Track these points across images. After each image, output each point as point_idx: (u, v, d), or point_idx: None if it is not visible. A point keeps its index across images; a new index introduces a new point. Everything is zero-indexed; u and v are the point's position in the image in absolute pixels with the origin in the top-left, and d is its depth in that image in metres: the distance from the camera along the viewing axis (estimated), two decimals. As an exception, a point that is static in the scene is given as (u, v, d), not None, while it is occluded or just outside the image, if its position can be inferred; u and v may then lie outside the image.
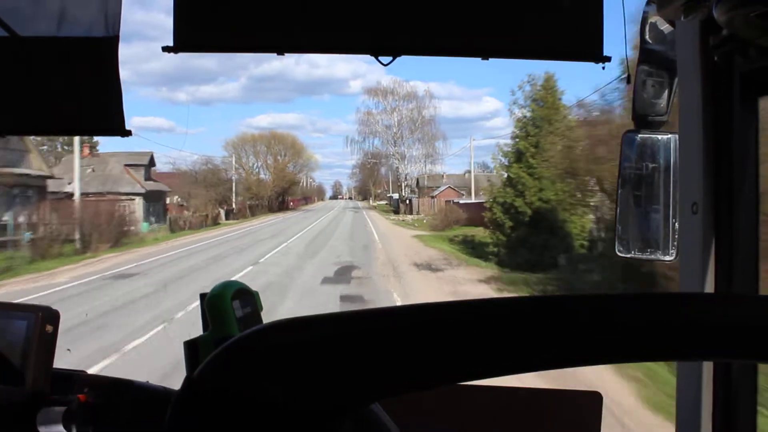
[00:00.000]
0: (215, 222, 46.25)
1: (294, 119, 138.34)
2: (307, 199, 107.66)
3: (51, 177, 32.64)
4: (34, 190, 30.32)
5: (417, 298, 12.03)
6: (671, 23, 1.20)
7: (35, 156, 31.25)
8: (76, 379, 1.32)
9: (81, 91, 1.50)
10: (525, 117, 22.05)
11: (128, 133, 1.51)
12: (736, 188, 1.07)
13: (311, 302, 11.94)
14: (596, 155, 15.16)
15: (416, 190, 66.21)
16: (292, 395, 0.35)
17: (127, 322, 10.54)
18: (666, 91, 1.27)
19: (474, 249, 25.22)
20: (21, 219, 26.65)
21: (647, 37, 1.27)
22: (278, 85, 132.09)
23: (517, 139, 22.14)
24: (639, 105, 1.29)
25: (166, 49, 1.47)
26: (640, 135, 1.30)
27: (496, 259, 21.22)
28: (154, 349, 8.64)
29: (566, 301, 0.38)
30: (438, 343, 0.36)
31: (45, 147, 51.79)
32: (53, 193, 32.82)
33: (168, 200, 52.12)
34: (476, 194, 49.52)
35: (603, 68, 1.50)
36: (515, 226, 21.22)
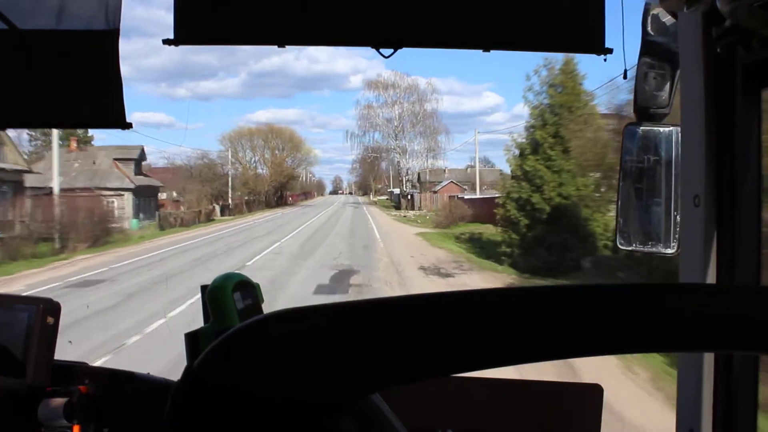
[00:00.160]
0: (209, 218, 44.11)
1: (294, 114, 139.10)
2: (306, 195, 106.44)
3: (28, 171, 30.44)
4: (10, 185, 28.26)
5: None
6: (673, 15, 1.18)
7: (11, 149, 29.16)
8: (77, 370, 1.33)
9: (81, 84, 1.49)
10: (541, 104, 19.73)
11: (129, 126, 1.50)
12: (738, 181, 1.05)
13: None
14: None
15: (417, 185, 64.36)
16: (292, 385, 0.35)
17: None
18: (668, 84, 1.26)
19: (483, 249, 23.17)
20: (-7, 216, 24.55)
21: (649, 29, 1.26)
22: (278, 81, 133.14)
23: (533, 129, 19.85)
24: (641, 97, 1.28)
25: (166, 41, 1.46)
26: (641, 127, 1.29)
27: (509, 261, 19.05)
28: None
29: (567, 291, 0.38)
30: (440, 334, 0.36)
31: (39, 141, 49.63)
32: (36, 188, 30.60)
33: (165, 195, 50.33)
34: (480, 189, 47.24)
35: (605, 60, 1.50)
36: (532, 224, 19.00)
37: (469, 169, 73.70)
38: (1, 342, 1.29)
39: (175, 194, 50.62)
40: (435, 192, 61.34)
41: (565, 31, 1.49)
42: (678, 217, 1.20)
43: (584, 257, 17.77)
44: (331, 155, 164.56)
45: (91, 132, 49.15)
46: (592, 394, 1.29)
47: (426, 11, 1.47)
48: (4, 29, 1.45)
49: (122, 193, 40.81)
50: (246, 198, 61.33)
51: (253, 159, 69.19)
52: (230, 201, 55.89)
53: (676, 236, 1.22)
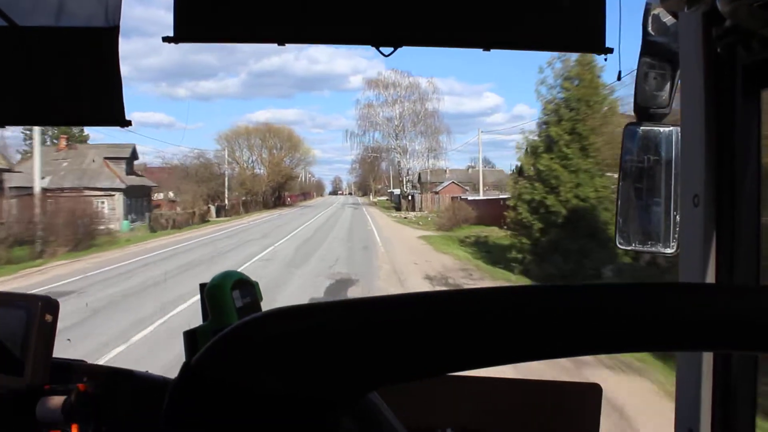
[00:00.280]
0: (204, 219, 42.43)
1: (294, 115, 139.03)
2: (305, 195, 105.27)
3: (8, 170, 28.70)
4: (-12, 185, 26.45)
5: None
6: (674, 15, 1.19)
7: (-12, 147, 27.32)
8: (75, 368, 1.33)
9: (81, 82, 1.50)
10: (556, 98, 18.02)
11: (128, 124, 1.50)
12: (738, 181, 1.05)
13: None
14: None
15: (418, 185, 62.81)
16: (291, 383, 0.35)
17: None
18: (668, 84, 1.27)
19: (490, 253, 21.59)
20: (-32, 218, 22.97)
21: (649, 28, 1.26)
22: (278, 81, 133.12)
23: (546, 125, 18.17)
24: (641, 97, 1.29)
25: (166, 39, 1.45)
26: (641, 127, 1.30)
27: (520, 268, 17.39)
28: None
29: (566, 291, 0.38)
30: (439, 332, 0.36)
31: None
32: (21, 189, 28.90)
33: (161, 195, 48.82)
34: (483, 190, 45.57)
35: (605, 60, 1.51)
36: (546, 228, 17.31)
37: (470, 170, 72.36)
38: None
39: (171, 194, 49.06)
40: (436, 193, 59.87)
41: (565, 31, 1.49)
42: (677, 216, 1.20)
43: (605, 265, 16.10)
44: (331, 155, 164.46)
45: (87, 131, 47.57)
46: (591, 393, 1.28)
47: (426, 10, 1.47)
48: (4, 26, 1.46)
49: (112, 193, 39.23)
50: (244, 198, 59.59)
51: (250, 159, 67.49)
52: (226, 201, 54.21)
53: (676, 236, 1.22)
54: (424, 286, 14.30)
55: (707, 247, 1.06)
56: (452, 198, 46.90)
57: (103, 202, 39.93)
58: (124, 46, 1.64)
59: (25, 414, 1.25)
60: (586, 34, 1.48)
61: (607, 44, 1.47)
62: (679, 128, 1.19)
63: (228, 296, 1.04)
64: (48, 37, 1.47)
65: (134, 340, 8.76)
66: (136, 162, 43.64)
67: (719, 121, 1.05)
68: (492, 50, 1.50)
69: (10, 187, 29.26)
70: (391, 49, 1.47)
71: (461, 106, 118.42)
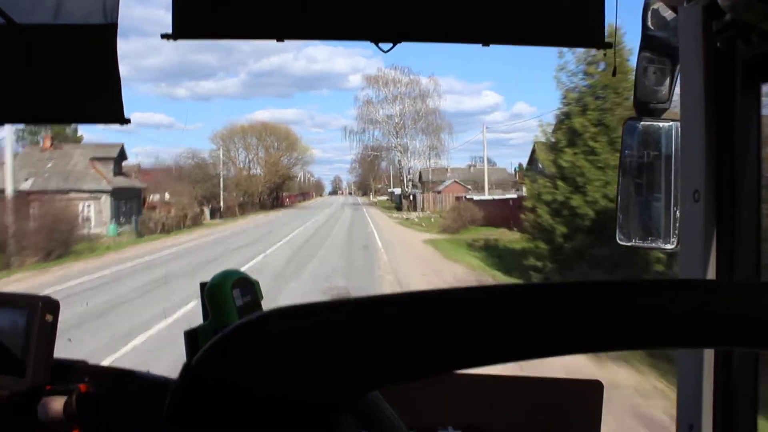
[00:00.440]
0: (197, 222, 40.15)
1: (293, 114, 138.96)
2: (304, 195, 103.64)
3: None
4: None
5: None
6: (673, 9, 1.19)
7: (-44, 145, 25.13)
8: (76, 368, 1.33)
9: (80, 79, 1.49)
10: (579, 86, 15.76)
11: (127, 121, 1.49)
12: (738, 176, 1.05)
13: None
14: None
15: (419, 184, 60.62)
16: (292, 382, 0.35)
17: None
18: (668, 78, 1.27)
19: (502, 259, 19.58)
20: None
21: (649, 23, 1.26)
22: (277, 80, 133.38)
23: (566, 117, 15.96)
24: (640, 92, 1.29)
25: (165, 36, 1.44)
26: (641, 123, 1.30)
27: (540, 277, 15.22)
28: None
29: (566, 288, 0.38)
30: (441, 330, 0.36)
31: (27, 140, 46.01)
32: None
33: (158, 197, 46.79)
34: (487, 189, 43.38)
35: (605, 55, 1.49)
36: (570, 233, 15.08)
37: (472, 168, 70.44)
38: None
39: (167, 196, 47.10)
40: (437, 192, 57.81)
41: (564, 26, 1.48)
42: (678, 212, 1.20)
43: (638, 276, 13.85)
44: (331, 155, 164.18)
45: (81, 132, 45.71)
46: (593, 390, 1.28)
47: (425, 5, 1.47)
48: (2, 24, 1.46)
49: (99, 195, 36.98)
50: (241, 199, 57.46)
51: (246, 159, 65.19)
52: (221, 203, 52.00)
53: (676, 231, 1.22)
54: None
55: (707, 242, 1.07)
56: (457, 198, 44.87)
57: (89, 205, 37.74)
58: (124, 46, 1.57)
59: (26, 415, 1.25)
60: (585, 29, 1.47)
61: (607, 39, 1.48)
62: (679, 123, 1.20)
63: (228, 295, 1.04)
64: (46, 34, 1.48)
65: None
66: (125, 162, 41.41)
67: (719, 115, 1.06)
68: (491, 46, 1.50)
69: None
70: (390, 45, 1.46)
71: (461, 104, 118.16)
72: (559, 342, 0.37)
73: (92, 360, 1.39)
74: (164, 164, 52.32)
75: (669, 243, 1.25)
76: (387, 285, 14.25)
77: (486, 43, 1.47)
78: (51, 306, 1.31)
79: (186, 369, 0.37)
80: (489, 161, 78.43)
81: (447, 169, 65.20)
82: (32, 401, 1.25)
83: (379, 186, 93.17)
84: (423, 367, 0.37)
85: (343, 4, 1.45)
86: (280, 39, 1.50)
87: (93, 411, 1.26)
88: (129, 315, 10.92)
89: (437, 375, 0.37)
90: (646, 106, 1.28)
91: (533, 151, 40.21)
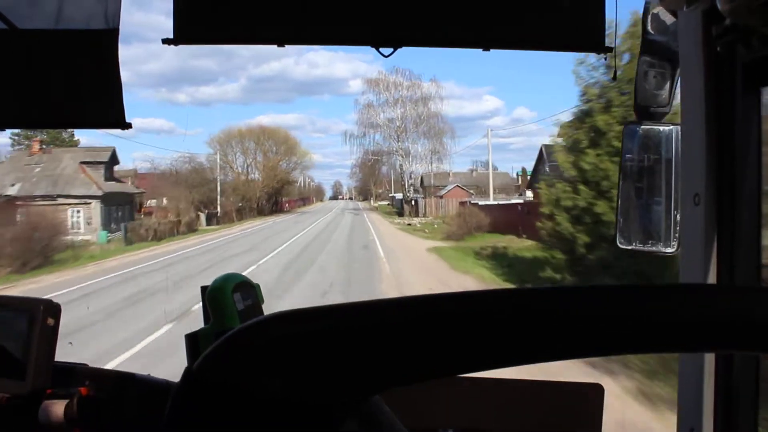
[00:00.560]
0: (192, 228, 38.61)
1: (294, 119, 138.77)
2: (304, 200, 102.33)
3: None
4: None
5: None
6: (673, 13, 1.19)
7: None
8: (77, 372, 1.32)
9: (81, 85, 1.49)
10: (601, 80, 14.18)
11: (128, 126, 1.49)
12: (739, 179, 1.06)
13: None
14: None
15: (420, 189, 59.12)
16: (292, 387, 0.35)
17: None
18: (668, 83, 1.27)
19: (512, 269, 18.07)
20: None
21: (649, 27, 1.26)
22: (277, 86, 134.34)
23: (587, 115, 14.41)
24: (641, 96, 1.29)
25: (166, 41, 1.44)
26: (642, 126, 1.30)
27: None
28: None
29: (569, 292, 0.39)
30: (441, 334, 0.36)
31: (23, 146, 44.77)
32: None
33: (155, 202, 45.38)
34: (491, 193, 41.82)
35: (605, 59, 1.50)
36: (594, 242, 13.50)
37: (474, 173, 69.03)
38: (0, 343, 1.28)
39: (165, 201, 45.76)
40: (439, 196, 56.32)
41: (565, 30, 1.49)
42: (678, 215, 1.20)
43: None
44: (332, 160, 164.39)
45: (77, 136, 44.47)
46: (593, 393, 1.28)
47: (426, 10, 1.47)
48: (3, 29, 1.46)
49: (89, 201, 35.39)
50: (240, 204, 55.96)
51: (245, 163, 63.68)
52: (218, 208, 50.46)
53: (677, 235, 1.22)
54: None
55: (708, 245, 1.07)
56: (461, 203, 43.32)
57: (78, 211, 36.12)
58: (124, 52, 1.67)
59: (27, 418, 1.25)
60: (585, 33, 1.48)
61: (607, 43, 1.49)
62: (679, 127, 1.20)
63: (229, 299, 1.04)
64: (48, 39, 1.48)
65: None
66: (120, 167, 39.92)
67: (719, 119, 1.06)
68: (492, 51, 1.51)
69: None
70: (391, 49, 1.48)
71: (461, 109, 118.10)
72: (560, 346, 0.37)
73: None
74: (160, 168, 50.85)
75: (669, 246, 1.25)
76: (391, 301, 12.65)
77: (486, 48, 1.48)
78: (52, 309, 1.30)
79: (187, 373, 0.37)
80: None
81: (449, 174, 63.73)
82: (33, 404, 1.25)
83: (380, 191, 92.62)
84: (423, 371, 0.37)
85: (343, 9, 1.47)
86: (281, 44, 1.51)
87: (94, 414, 1.25)
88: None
89: (437, 379, 0.37)
90: (647, 110, 1.28)
91: (540, 155, 38.71)
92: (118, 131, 1.52)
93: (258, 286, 1.12)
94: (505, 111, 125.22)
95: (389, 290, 14.04)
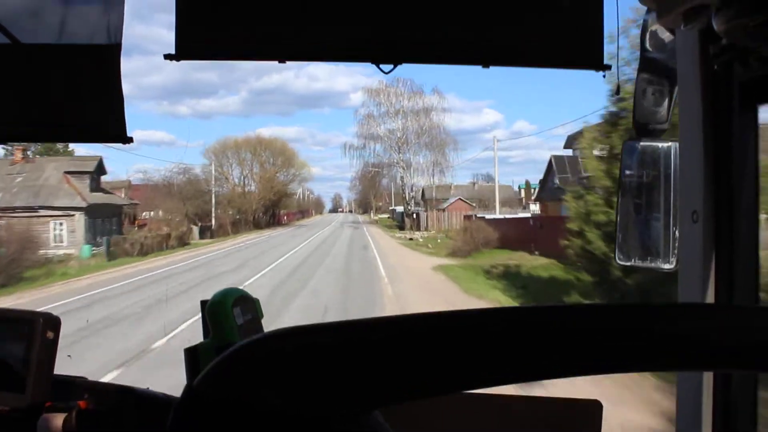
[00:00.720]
0: (183, 242, 36.51)
1: (294, 132, 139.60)
2: (303, 213, 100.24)
3: None
4: None
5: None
6: (671, 32, 1.20)
7: None
8: (76, 385, 1.32)
9: (83, 99, 1.51)
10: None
11: (129, 140, 1.49)
12: (737, 197, 1.07)
13: None
14: None
15: (421, 202, 57.14)
16: (294, 403, 0.36)
17: None
18: (666, 100, 1.28)
19: (528, 290, 16.18)
20: None
21: (647, 45, 1.28)
22: (278, 98, 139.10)
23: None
24: (639, 113, 1.30)
25: (168, 57, 1.46)
26: (640, 143, 1.31)
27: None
28: None
29: (566, 311, 0.39)
30: (440, 352, 0.37)
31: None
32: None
33: (150, 214, 43.57)
34: (498, 207, 39.81)
35: (604, 76, 1.52)
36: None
37: (476, 186, 67.16)
38: (0, 357, 1.28)
39: (161, 213, 43.98)
40: (441, 210, 54.37)
41: (563, 48, 1.49)
42: (677, 232, 1.21)
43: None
44: (332, 173, 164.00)
45: (71, 146, 42.80)
46: (592, 409, 1.27)
47: (426, 28, 1.48)
48: (6, 43, 1.47)
49: (72, 213, 33.23)
50: (237, 217, 53.93)
51: (241, 174, 61.62)
52: (213, 221, 48.39)
53: (675, 251, 1.23)
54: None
55: (706, 262, 1.08)
56: (466, 216, 41.29)
57: (61, 224, 33.94)
58: (126, 65, 1.66)
59: (27, 430, 1.24)
60: (584, 51, 1.49)
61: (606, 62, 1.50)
62: (677, 144, 1.21)
63: (229, 313, 1.03)
64: (50, 54, 1.49)
65: None
66: (111, 178, 37.93)
67: (717, 137, 1.07)
68: (491, 67, 1.53)
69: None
70: (391, 66, 1.48)
71: (461, 122, 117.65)
72: (559, 364, 0.37)
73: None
74: (153, 180, 49.06)
75: (668, 263, 1.26)
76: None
77: (486, 65, 1.49)
78: (52, 323, 1.30)
79: (189, 388, 0.37)
80: (490, 179, 74.78)
81: (451, 187, 61.85)
82: (32, 417, 1.25)
83: (380, 204, 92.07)
84: (422, 388, 0.37)
85: (344, 26, 1.47)
86: (281, 60, 1.53)
87: (93, 428, 1.25)
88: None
89: (435, 396, 0.37)
90: (646, 127, 1.29)
91: (549, 166, 36.78)
92: (118, 144, 1.51)
93: (257, 300, 1.12)
94: (504, 124, 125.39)
95: (393, 319, 11.93)
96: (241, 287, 1.11)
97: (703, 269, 1.07)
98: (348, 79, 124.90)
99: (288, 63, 1.53)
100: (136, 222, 43.92)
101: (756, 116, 1.06)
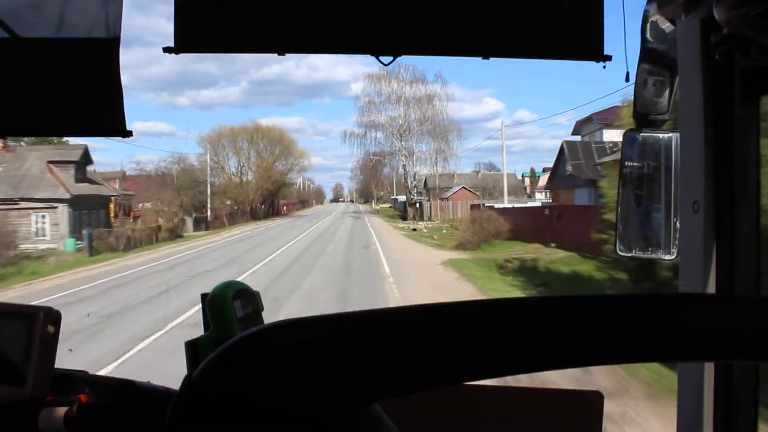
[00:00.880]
0: (176, 234, 34.43)
1: (295, 122, 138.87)
2: (303, 203, 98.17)
3: None
4: None
5: None
6: (672, 22, 1.20)
7: None
8: (77, 379, 1.31)
9: (82, 93, 1.50)
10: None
11: (129, 134, 1.49)
12: (737, 187, 1.07)
13: None
14: None
15: (424, 191, 55.18)
16: (293, 396, 0.36)
17: None
18: (667, 90, 1.28)
19: (547, 287, 14.46)
20: None
21: (648, 35, 1.26)
22: (279, 89, 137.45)
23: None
24: (640, 104, 1.29)
25: (167, 50, 1.44)
26: (641, 134, 1.30)
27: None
28: None
29: (567, 302, 0.39)
30: (439, 344, 0.37)
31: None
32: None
33: (149, 205, 41.82)
34: (506, 195, 37.62)
35: (604, 67, 1.52)
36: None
37: (479, 174, 65.01)
38: (0, 351, 1.27)
39: (155, 204, 42.00)
40: (444, 199, 52.24)
41: (564, 39, 1.49)
42: (678, 223, 1.21)
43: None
44: (333, 162, 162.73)
45: (66, 137, 40.76)
46: (593, 401, 1.26)
47: (425, 19, 1.47)
48: (5, 37, 1.47)
49: (55, 205, 30.98)
50: (236, 208, 51.86)
51: (238, 163, 59.43)
52: (209, 212, 46.28)
53: (676, 242, 1.23)
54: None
55: (707, 253, 1.07)
56: (472, 206, 39.06)
57: (43, 216, 31.70)
58: (126, 56, 1.63)
59: (27, 425, 1.24)
60: (584, 42, 1.48)
61: (606, 52, 1.48)
62: (678, 134, 1.21)
63: (229, 306, 1.03)
64: (49, 48, 1.49)
65: None
66: (108, 169, 35.84)
67: (718, 127, 1.07)
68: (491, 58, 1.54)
69: None
70: (391, 58, 1.48)
71: (462, 111, 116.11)
72: (556, 354, 0.37)
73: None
74: (146, 170, 47.05)
75: (669, 254, 1.25)
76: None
77: (485, 56, 1.49)
78: (52, 317, 1.29)
79: (188, 381, 0.37)
80: (492, 167, 72.61)
81: (454, 175, 59.77)
82: (33, 411, 1.24)
83: (382, 193, 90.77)
84: (423, 381, 0.37)
85: (343, 18, 1.47)
86: (281, 52, 1.53)
87: (94, 421, 1.25)
88: None
89: (436, 388, 0.37)
90: (646, 117, 1.29)
91: (560, 153, 34.52)
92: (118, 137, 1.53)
93: (258, 293, 1.11)
94: (506, 113, 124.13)
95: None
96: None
97: (704, 260, 1.07)
98: (348, 69, 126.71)
99: (288, 54, 1.55)
100: (132, 214, 41.98)
101: (757, 106, 1.06)
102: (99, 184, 35.54)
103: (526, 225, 25.78)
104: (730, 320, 0.38)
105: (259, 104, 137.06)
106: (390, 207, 75.55)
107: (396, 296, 13.30)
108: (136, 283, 16.23)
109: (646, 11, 1.23)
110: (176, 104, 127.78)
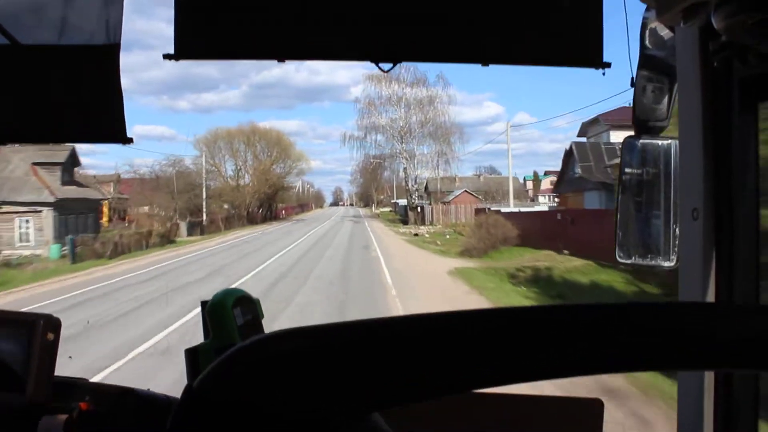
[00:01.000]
0: (168, 240, 32.78)
1: (295, 126, 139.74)
2: (303, 207, 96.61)
3: None
4: None
5: None
6: (671, 29, 1.20)
7: None
8: (77, 386, 1.32)
9: (82, 99, 1.50)
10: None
11: (129, 141, 1.50)
12: (737, 194, 1.07)
13: None
14: None
15: (425, 195, 53.68)
16: (294, 405, 0.35)
17: None
18: (666, 97, 1.28)
19: (563, 300, 13.49)
20: None
21: (647, 42, 1.27)
22: (279, 92, 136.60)
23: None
24: (639, 110, 1.30)
25: (167, 56, 1.46)
26: (640, 141, 1.31)
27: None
28: None
29: (567, 311, 0.39)
30: (440, 353, 0.37)
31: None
32: None
33: (147, 209, 40.58)
34: (512, 199, 35.98)
35: (603, 74, 1.51)
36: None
37: (481, 177, 63.51)
38: (0, 358, 1.26)
39: (149, 209, 40.57)
40: (446, 203, 50.70)
41: (563, 46, 1.49)
42: (677, 230, 1.21)
43: None
44: (332, 166, 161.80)
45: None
46: (593, 408, 1.25)
47: (424, 27, 1.47)
48: (5, 44, 1.47)
49: (39, 209, 29.26)
50: (233, 211, 50.26)
51: (235, 166, 57.86)
52: (204, 216, 44.64)
53: (675, 249, 1.23)
54: None
55: (707, 260, 1.07)
56: (477, 210, 37.43)
57: (27, 221, 29.94)
58: (126, 60, 1.42)
59: None
60: (584, 49, 1.48)
61: (605, 59, 1.49)
62: (677, 141, 1.21)
63: (229, 314, 1.02)
64: (49, 54, 1.49)
65: None
66: (103, 172, 34.25)
67: (717, 134, 1.07)
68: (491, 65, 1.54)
69: None
70: (390, 64, 1.47)
71: (462, 115, 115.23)
72: (556, 361, 0.37)
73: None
74: (140, 173, 45.54)
75: (668, 261, 1.25)
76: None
77: (485, 63, 1.49)
78: (52, 324, 1.29)
79: (189, 390, 0.37)
80: (494, 171, 70.90)
81: (455, 179, 58.36)
82: (33, 419, 1.24)
83: (382, 197, 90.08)
84: (425, 389, 0.37)
85: (343, 25, 1.47)
86: (281, 59, 1.53)
87: (94, 429, 1.25)
88: None
89: (438, 397, 0.37)
90: (645, 124, 1.28)
91: (569, 154, 32.92)
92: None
93: (258, 301, 1.10)
94: (505, 117, 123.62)
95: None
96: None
97: (704, 267, 1.07)
98: (349, 73, 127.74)
99: (288, 60, 1.56)
100: (127, 218, 40.37)
101: (756, 113, 1.06)
102: (87, 187, 33.97)
103: (535, 230, 24.29)
104: (731, 329, 0.37)
105: (259, 107, 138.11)
106: (390, 211, 74.59)
107: (398, 308, 11.96)
108: (109, 297, 14.50)
109: (645, 18, 1.24)
110: (176, 108, 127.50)
